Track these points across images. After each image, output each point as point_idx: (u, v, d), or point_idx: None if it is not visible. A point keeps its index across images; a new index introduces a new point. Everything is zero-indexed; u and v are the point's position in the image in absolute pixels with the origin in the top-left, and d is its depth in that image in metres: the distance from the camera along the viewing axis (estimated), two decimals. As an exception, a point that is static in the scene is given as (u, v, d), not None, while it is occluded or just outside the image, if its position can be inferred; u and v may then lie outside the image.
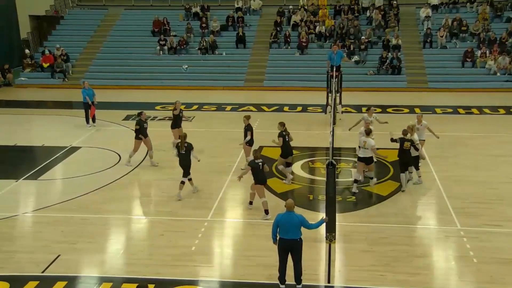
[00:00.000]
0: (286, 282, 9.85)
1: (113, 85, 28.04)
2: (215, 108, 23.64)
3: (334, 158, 12.16)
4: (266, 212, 12.76)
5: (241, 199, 13.91)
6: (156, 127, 19.49)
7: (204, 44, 30.11)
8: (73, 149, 18.16)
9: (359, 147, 15.15)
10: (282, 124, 14.93)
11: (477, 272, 10.42)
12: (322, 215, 12.04)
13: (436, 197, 14.06)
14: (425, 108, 23.27)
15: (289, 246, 9.63)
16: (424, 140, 15.51)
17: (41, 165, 16.65)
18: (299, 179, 15.38)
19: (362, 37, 29.08)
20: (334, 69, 20.67)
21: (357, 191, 14.28)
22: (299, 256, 9.70)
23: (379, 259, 10.88)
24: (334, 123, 16.51)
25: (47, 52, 29.99)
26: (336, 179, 11.79)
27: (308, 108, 23.54)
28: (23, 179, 15.64)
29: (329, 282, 10.23)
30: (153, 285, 9.95)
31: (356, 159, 16.58)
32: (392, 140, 14.54)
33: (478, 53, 28.12)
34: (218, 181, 15.03)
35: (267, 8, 33.14)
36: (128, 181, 15.45)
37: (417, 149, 14.35)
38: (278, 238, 9.72)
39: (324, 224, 11.43)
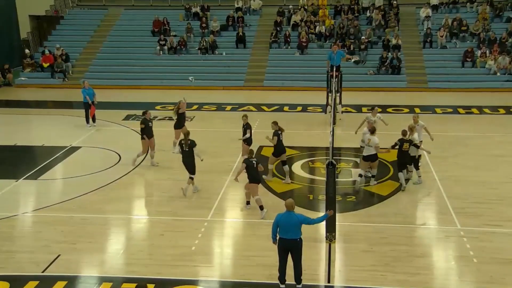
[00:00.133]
0: (286, 282, 9.85)
1: (113, 85, 28.02)
2: (215, 108, 23.65)
3: (334, 158, 12.15)
4: (261, 208, 12.86)
5: (241, 199, 13.90)
6: (156, 127, 19.35)
7: (204, 44, 30.11)
8: (73, 149, 18.16)
9: (361, 146, 15.20)
10: (275, 123, 15.02)
11: (477, 272, 10.42)
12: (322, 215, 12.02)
13: (436, 197, 14.06)
14: (425, 108, 23.29)
15: (289, 246, 9.63)
16: (421, 141, 15.50)
17: (41, 165, 16.65)
18: (299, 179, 15.38)
19: (362, 37, 29.09)
20: (334, 69, 20.68)
21: (360, 186, 14.47)
22: (299, 256, 9.69)
23: (379, 259, 10.88)
24: (334, 123, 16.50)
25: (47, 52, 29.99)
26: (336, 179, 11.78)
27: (308, 108, 23.54)
28: (23, 179, 15.64)
29: (329, 282, 10.23)
30: (153, 285, 9.95)
31: (355, 159, 16.70)
32: (394, 147, 14.50)
33: (478, 53, 28.12)
34: (218, 181, 15.03)
35: (267, 8, 33.15)
36: (128, 181, 15.45)
37: (418, 147, 14.37)
38: (278, 238, 9.72)
39: (324, 224, 11.46)
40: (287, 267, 9.75)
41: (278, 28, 30.90)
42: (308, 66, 28.55)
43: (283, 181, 15.05)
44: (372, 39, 29.73)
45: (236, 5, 32.74)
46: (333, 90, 19.48)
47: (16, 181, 15.47)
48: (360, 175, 14.60)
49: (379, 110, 17.44)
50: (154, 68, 29.77)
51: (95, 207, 13.54)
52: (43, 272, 10.55)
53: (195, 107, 23.57)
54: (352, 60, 28.16)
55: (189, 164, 14.08)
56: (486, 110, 23.02)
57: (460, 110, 23.16)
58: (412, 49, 29.62)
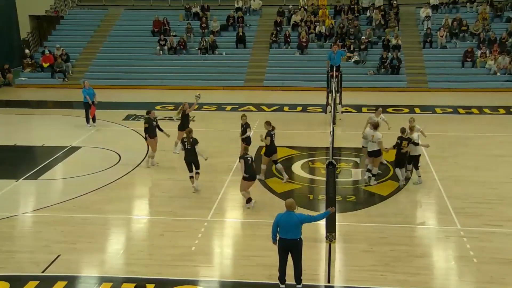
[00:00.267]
0: (286, 282, 9.85)
1: (113, 85, 28.02)
2: (215, 108, 23.64)
3: (334, 158, 12.15)
4: (249, 200, 13.25)
5: (241, 199, 13.87)
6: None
7: (204, 44, 30.12)
8: (73, 149, 18.16)
9: (363, 147, 15.22)
10: (268, 123, 15.11)
11: (477, 272, 10.42)
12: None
13: (436, 197, 14.06)
14: (425, 108, 23.30)
15: (289, 246, 9.62)
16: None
17: (41, 165, 16.65)
18: (299, 179, 15.38)
19: (362, 37, 29.09)
20: (334, 69, 20.68)
21: (370, 183, 14.64)
22: (299, 256, 9.69)
23: (379, 259, 10.88)
24: (334, 123, 16.51)
25: (47, 52, 30.00)
26: (336, 179, 11.78)
27: (308, 108, 23.54)
28: (23, 179, 15.64)
29: (329, 282, 10.23)
30: (153, 285, 9.95)
31: (355, 160, 16.71)
32: (395, 146, 14.51)
33: (478, 53, 28.13)
34: (218, 181, 15.03)
35: (267, 8, 33.16)
36: (128, 181, 15.45)
37: (416, 144, 14.42)
38: (278, 238, 9.72)
39: (324, 224, 11.46)
40: (287, 267, 9.75)
41: (278, 28, 30.91)
42: (308, 66, 28.56)
43: (283, 181, 15.04)
44: (372, 39, 29.74)
45: (236, 5, 32.74)
46: (333, 90, 19.49)
47: (16, 181, 15.47)
48: (369, 170, 14.78)
49: (381, 111, 17.39)
50: (154, 68, 29.78)
51: (95, 207, 13.54)
52: (43, 272, 10.55)
53: (195, 107, 23.52)
54: (352, 60, 28.18)
55: (193, 161, 14.22)
56: (486, 110, 23.02)
57: (460, 110, 23.16)
58: (412, 49, 29.62)
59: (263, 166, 15.22)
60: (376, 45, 29.70)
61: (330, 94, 20.66)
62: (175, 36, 31.08)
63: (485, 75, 27.55)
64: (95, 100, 20.53)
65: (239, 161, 13.17)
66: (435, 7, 31.63)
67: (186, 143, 14.15)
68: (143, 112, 22.40)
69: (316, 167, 16.34)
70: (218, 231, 12.39)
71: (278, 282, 9.85)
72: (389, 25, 30.34)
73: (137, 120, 21.85)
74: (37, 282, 10.16)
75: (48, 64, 29.68)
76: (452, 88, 26.82)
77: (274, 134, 15.04)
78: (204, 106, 23.71)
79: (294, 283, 9.81)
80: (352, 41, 29.33)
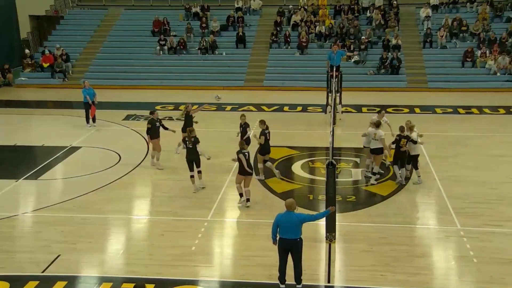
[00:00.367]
0: (286, 282, 9.85)
1: (113, 85, 28.02)
2: (215, 108, 23.63)
3: (334, 158, 12.15)
4: (241, 195, 13.44)
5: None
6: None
7: (204, 44, 30.12)
8: (73, 149, 18.16)
9: (364, 147, 15.25)
10: (262, 122, 15.15)
11: (477, 272, 10.42)
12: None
13: (436, 197, 14.06)
14: (425, 108, 23.31)
15: (289, 246, 9.62)
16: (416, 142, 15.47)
17: (41, 165, 16.65)
18: (299, 179, 15.38)
19: (362, 37, 29.10)
20: (334, 69, 20.68)
21: (375, 182, 14.71)
22: (299, 256, 9.69)
23: (379, 259, 10.88)
24: (334, 123, 16.52)
25: (47, 52, 30.00)
26: (336, 179, 11.78)
27: (308, 108, 23.54)
28: (23, 179, 15.64)
29: (329, 282, 10.23)
30: (153, 285, 9.95)
31: (355, 160, 16.71)
32: (393, 143, 14.60)
33: (478, 53, 28.13)
34: (218, 181, 15.03)
35: (267, 8, 33.17)
36: (128, 181, 15.45)
37: (415, 143, 14.47)
38: (278, 238, 9.72)
39: (324, 224, 11.47)
40: (287, 267, 9.75)
41: (278, 28, 30.91)
42: (308, 66, 28.56)
43: (277, 177, 15.09)
44: (372, 39, 29.74)
45: (236, 5, 32.75)
46: (333, 90, 19.49)
47: (16, 181, 15.47)
48: (374, 173, 14.89)
49: (377, 110, 17.42)
50: (154, 68, 29.79)
51: (95, 207, 13.54)
52: (43, 272, 10.55)
53: (195, 107, 23.51)
54: (352, 60, 28.19)
55: (195, 160, 14.29)
56: (486, 110, 23.02)
57: (460, 110, 23.16)
58: (412, 49, 29.63)
59: (260, 165, 15.24)
60: (376, 45, 29.70)
61: (330, 94, 20.67)
62: (175, 36, 31.09)
63: (485, 75, 27.55)
64: (95, 100, 20.52)
65: (238, 156, 13.24)
66: (435, 7, 31.64)
67: (187, 142, 14.23)
68: (143, 112, 22.58)
69: (316, 167, 16.34)
70: (218, 231, 12.39)
71: (278, 282, 9.85)
72: (389, 25, 30.35)
73: (137, 120, 21.86)
74: (37, 282, 10.16)
75: (48, 64, 29.68)
76: (452, 88, 26.82)
77: (268, 133, 15.08)
78: (204, 106, 23.68)
79: (294, 283, 9.81)
80: (352, 41, 29.33)
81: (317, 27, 30.46)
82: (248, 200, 13.46)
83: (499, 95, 25.62)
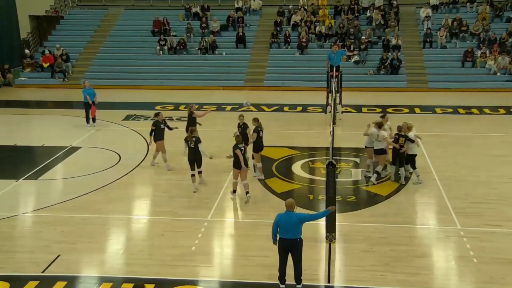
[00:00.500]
0: (286, 282, 9.85)
1: (113, 85, 28.02)
2: (215, 108, 23.63)
3: (334, 158, 12.16)
4: (234, 191, 13.79)
5: (241, 199, 13.91)
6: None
7: (204, 44, 30.12)
8: (73, 149, 18.16)
9: (366, 147, 15.29)
10: (256, 120, 15.29)
11: (477, 272, 10.42)
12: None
13: (436, 197, 14.06)
14: (425, 108, 23.30)
15: (289, 246, 9.63)
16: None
17: (41, 165, 16.65)
18: (299, 179, 15.39)
19: (362, 37, 29.10)
20: (334, 69, 20.69)
21: (375, 182, 14.76)
22: (299, 256, 9.70)
23: (379, 259, 10.88)
24: (334, 123, 16.52)
25: (47, 52, 30.01)
26: (336, 179, 11.78)
27: (308, 108, 23.55)
28: (23, 179, 15.64)
29: (329, 282, 10.23)
30: (153, 285, 9.95)
31: (355, 160, 16.71)
32: (394, 141, 14.63)
33: (478, 53, 28.13)
34: (218, 181, 15.03)
35: (267, 8, 33.17)
36: (128, 181, 15.45)
37: (412, 141, 14.51)
38: (278, 238, 9.72)
39: (324, 224, 11.47)
40: (287, 267, 9.75)
41: (278, 28, 30.91)
42: (308, 66, 28.56)
43: (257, 176, 15.21)
44: (372, 39, 29.74)
45: (236, 5, 32.75)
46: (333, 90, 19.50)
47: (16, 181, 15.47)
48: (377, 172, 14.92)
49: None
50: (154, 68, 29.79)
51: (95, 207, 13.54)
52: (43, 272, 10.55)
53: (195, 107, 23.51)
54: (352, 60, 28.19)
55: (197, 160, 14.37)
56: (486, 110, 23.01)
57: (460, 110, 23.16)
58: (412, 49, 29.63)
59: (259, 165, 15.25)
60: (376, 45, 29.70)
61: (330, 94, 20.67)
62: (175, 36, 31.09)
63: (485, 75, 27.55)
64: (95, 100, 20.52)
65: (235, 151, 13.44)
66: (435, 7, 31.64)
67: (189, 142, 14.32)
68: (143, 112, 22.61)
69: (316, 167, 16.34)
70: (218, 231, 12.39)
71: (278, 282, 9.85)
72: (389, 25, 30.35)
73: (137, 120, 21.87)
74: (37, 282, 10.16)
75: (48, 64, 29.68)
76: (452, 88, 26.82)
77: (261, 131, 15.19)
78: (204, 106, 23.70)
79: (294, 283, 9.81)
80: (352, 41, 29.33)
81: (317, 27, 30.46)
82: (247, 192, 13.63)
83: (499, 95, 25.62)
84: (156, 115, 16.25)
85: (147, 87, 28.28)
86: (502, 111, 22.94)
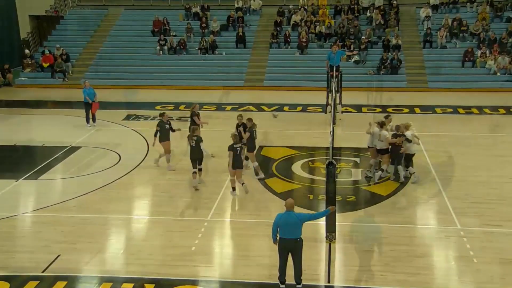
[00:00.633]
0: (286, 282, 9.85)
1: (113, 85, 28.03)
2: (215, 108, 23.64)
3: (334, 158, 12.15)
4: (233, 189, 13.99)
5: (241, 199, 13.91)
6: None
7: (204, 44, 30.13)
8: (73, 149, 18.16)
9: (368, 147, 15.30)
10: (250, 120, 15.39)
11: (477, 272, 10.42)
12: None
13: (436, 197, 14.06)
14: (425, 108, 23.30)
15: (289, 246, 9.62)
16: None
17: (41, 165, 16.65)
18: (299, 179, 15.39)
19: (362, 37, 29.10)
20: (334, 69, 20.69)
21: (374, 178, 14.86)
22: (299, 256, 9.69)
23: (379, 259, 10.88)
24: (334, 123, 16.50)
25: (47, 52, 30.02)
26: (336, 179, 11.78)
27: (308, 108, 23.54)
28: (23, 179, 15.64)
29: (329, 282, 10.23)
30: (153, 285, 9.95)
31: (355, 160, 16.72)
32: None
33: (478, 53, 28.13)
34: (218, 181, 15.02)
35: (267, 8, 33.17)
36: (128, 181, 15.45)
37: (409, 141, 14.55)
38: (278, 238, 9.72)
39: (324, 224, 11.46)
40: (287, 267, 9.75)
41: (278, 28, 30.91)
42: (308, 66, 28.56)
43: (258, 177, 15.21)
44: (372, 39, 29.74)
45: (236, 5, 32.75)
46: (333, 90, 19.50)
47: (16, 181, 15.46)
48: (382, 170, 14.95)
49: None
50: (154, 68, 29.79)
51: (95, 207, 13.54)
52: (43, 272, 10.55)
53: (197, 107, 23.51)
54: (352, 60, 28.19)
55: (198, 159, 14.48)
56: (486, 110, 23.00)
57: (460, 110, 23.16)
58: (412, 49, 29.64)
59: (255, 164, 15.32)
60: (376, 45, 29.70)
61: (330, 94, 20.67)
62: (175, 36, 31.10)
63: (485, 75, 27.55)
64: (95, 100, 20.52)
65: (229, 152, 13.65)
66: (435, 7, 31.64)
67: (191, 140, 14.44)
68: (143, 112, 22.62)
69: (316, 167, 16.34)
70: (218, 231, 12.39)
71: (278, 282, 9.85)
72: (389, 25, 30.35)
73: (137, 120, 21.87)
74: (37, 282, 10.16)
75: (48, 64, 29.69)
76: (452, 88, 26.81)
77: (255, 131, 15.31)
78: (204, 106, 23.71)
79: (294, 283, 9.81)
80: (352, 41, 29.33)
81: (317, 27, 30.46)
82: (243, 183, 13.88)
83: (499, 95, 25.61)
84: (161, 115, 16.15)
85: (147, 87, 28.28)
86: (502, 111, 22.94)
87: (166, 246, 11.55)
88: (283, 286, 9.86)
